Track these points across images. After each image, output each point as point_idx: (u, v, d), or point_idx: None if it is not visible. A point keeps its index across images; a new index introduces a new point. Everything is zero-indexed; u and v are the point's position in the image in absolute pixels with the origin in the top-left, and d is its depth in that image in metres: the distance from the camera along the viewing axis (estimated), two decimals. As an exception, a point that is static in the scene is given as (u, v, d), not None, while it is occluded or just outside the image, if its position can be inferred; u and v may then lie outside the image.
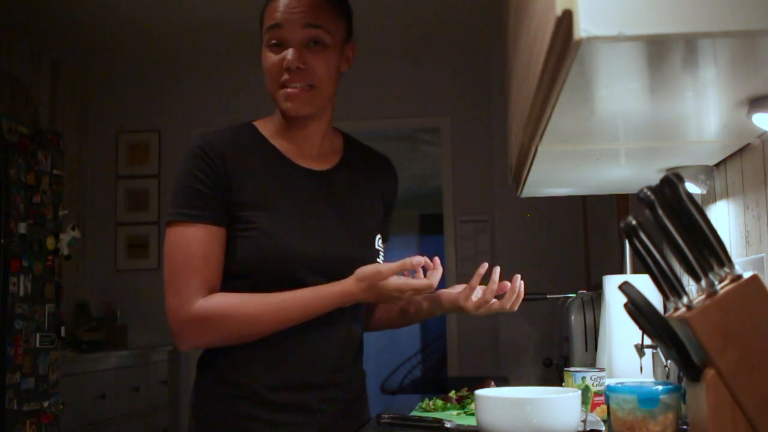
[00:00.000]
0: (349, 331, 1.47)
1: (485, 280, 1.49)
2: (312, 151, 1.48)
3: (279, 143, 1.47)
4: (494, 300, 1.48)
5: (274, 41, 1.39)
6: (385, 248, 1.58)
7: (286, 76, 1.38)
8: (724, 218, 1.60)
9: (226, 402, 1.39)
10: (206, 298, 1.35)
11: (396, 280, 1.36)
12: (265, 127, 1.48)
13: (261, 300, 1.35)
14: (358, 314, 1.50)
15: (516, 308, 1.49)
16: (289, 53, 1.38)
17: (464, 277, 4.83)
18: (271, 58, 1.40)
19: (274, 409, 1.38)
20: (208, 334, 1.36)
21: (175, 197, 1.40)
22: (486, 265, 1.47)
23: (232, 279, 1.39)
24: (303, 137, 1.47)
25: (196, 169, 1.38)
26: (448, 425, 1.41)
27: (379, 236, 1.52)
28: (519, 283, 1.49)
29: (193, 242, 1.36)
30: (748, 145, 1.42)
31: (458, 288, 1.52)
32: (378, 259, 1.49)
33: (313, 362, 1.41)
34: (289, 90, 1.39)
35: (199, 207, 1.37)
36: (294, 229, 1.40)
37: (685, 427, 1.10)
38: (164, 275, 1.39)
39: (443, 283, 1.47)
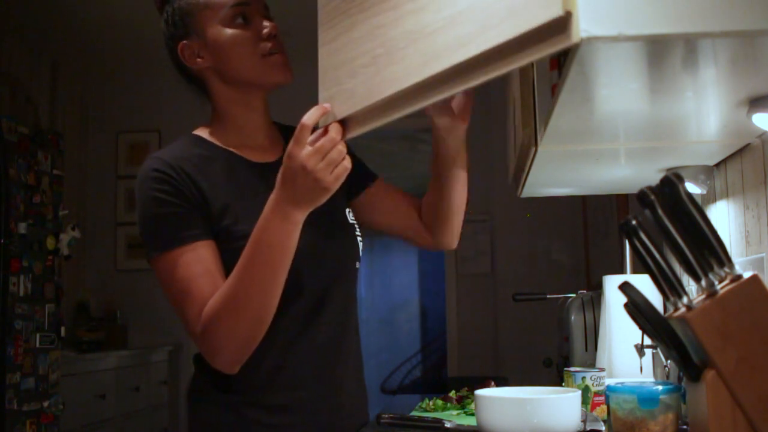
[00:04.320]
0: (344, 327, 1.45)
1: None
2: (262, 143, 1.46)
3: (228, 144, 1.44)
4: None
5: (240, 19, 1.37)
6: (382, 180, 1.55)
7: (269, 45, 1.37)
8: (724, 218, 1.60)
9: (223, 404, 1.38)
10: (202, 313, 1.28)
11: (309, 147, 1.16)
12: (210, 134, 1.46)
13: (230, 277, 1.26)
14: (352, 326, 1.49)
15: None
16: (266, 22, 1.38)
17: (464, 277, 4.84)
18: (240, 33, 1.37)
19: (272, 411, 1.37)
20: (217, 343, 1.26)
21: (148, 234, 1.33)
22: None
23: None
24: (253, 129, 1.45)
25: (161, 192, 1.33)
26: (448, 425, 1.41)
27: (348, 210, 1.49)
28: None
29: (182, 267, 1.28)
30: (748, 145, 1.42)
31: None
32: (357, 234, 1.46)
33: (306, 365, 1.40)
34: (282, 56, 1.38)
35: (179, 228, 1.30)
36: None
37: (685, 427, 1.10)
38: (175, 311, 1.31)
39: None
